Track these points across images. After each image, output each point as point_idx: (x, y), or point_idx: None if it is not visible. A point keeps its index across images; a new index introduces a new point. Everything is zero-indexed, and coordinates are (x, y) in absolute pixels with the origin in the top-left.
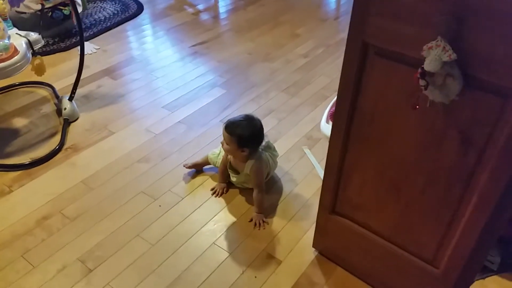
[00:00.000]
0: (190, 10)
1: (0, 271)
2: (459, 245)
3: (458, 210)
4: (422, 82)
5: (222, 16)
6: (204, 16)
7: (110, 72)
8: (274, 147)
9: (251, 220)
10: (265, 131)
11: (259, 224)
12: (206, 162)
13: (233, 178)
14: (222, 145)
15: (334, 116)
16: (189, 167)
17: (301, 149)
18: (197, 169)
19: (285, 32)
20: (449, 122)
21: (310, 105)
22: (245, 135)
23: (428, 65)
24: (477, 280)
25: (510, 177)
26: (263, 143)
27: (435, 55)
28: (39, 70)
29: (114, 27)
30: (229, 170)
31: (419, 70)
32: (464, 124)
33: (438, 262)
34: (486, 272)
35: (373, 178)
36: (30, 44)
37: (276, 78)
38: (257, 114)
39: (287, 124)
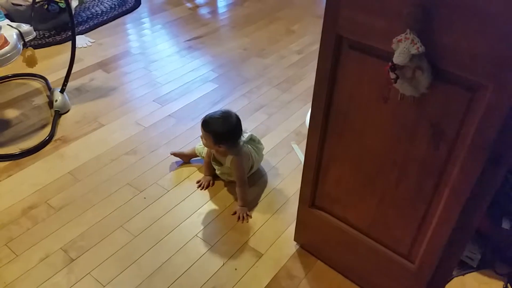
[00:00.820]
0: (188, 5)
1: None
2: (433, 239)
3: (431, 204)
4: (392, 75)
5: (220, 11)
6: (202, 11)
7: (104, 65)
8: (258, 140)
9: (235, 213)
10: (254, 125)
11: (243, 217)
12: (193, 153)
13: (218, 171)
14: (201, 139)
15: (311, 110)
16: (176, 155)
17: (289, 144)
18: (184, 160)
19: (281, 28)
20: (420, 115)
21: (301, 101)
22: (220, 132)
23: (397, 58)
24: (456, 276)
25: (481, 170)
26: (246, 137)
27: (403, 48)
28: (31, 61)
29: (111, 21)
30: (212, 162)
31: (390, 63)
32: (434, 117)
33: (413, 257)
34: (465, 268)
35: (350, 171)
36: (21, 35)
37: (269, 74)
38: (248, 109)
39: (276, 119)
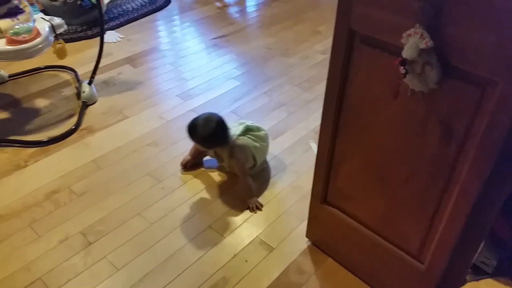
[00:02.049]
0: (218, 4)
1: (8, 237)
2: (443, 239)
3: (441, 202)
4: (401, 70)
5: (249, 10)
6: (230, 10)
7: (131, 60)
8: (257, 128)
9: (248, 208)
10: (273, 123)
11: (255, 208)
12: (195, 152)
13: (222, 164)
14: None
15: (323, 106)
16: (185, 165)
17: (307, 142)
18: (195, 161)
19: (307, 28)
20: (430, 111)
21: (322, 101)
22: (206, 139)
23: (405, 52)
24: (470, 281)
25: (491, 169)
26: (241, 129)
27: (413, 42)
28: (61, 53)
29: (141, 18)
30: (215, 157)
31: (399, 57)
32: (444, 114)
33: (423, 257)
34: (480, 274)
35: (360, 168)
36: (53, 28)
37: (292, 73)
38: (268, 107)
39: (296, 117)
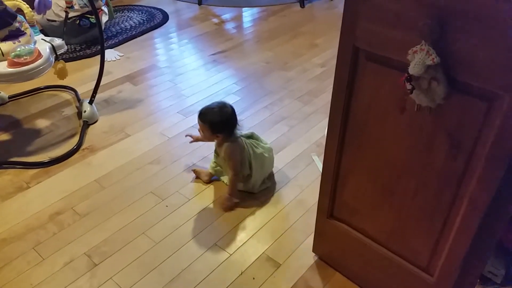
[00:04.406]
0: (215, 20)
1: (12, 261)
2: (452, 252)
3: (449, 216)
4: (408, 86)
5: (245, 26)
6: (227, 26)
7: (131, 78)
8: (260, 138)
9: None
10: (275, 137)
11: (228, 208)
12: (211, 173)
13: (213, 164)
14: (199, 132)
15: (329, 121)
16: (196, 173)
17: (310, 156)
18: (204, 180)
19: (304, 42)
20: (437, 126)
21: (323, 113)
22: (217, 121)
23: (412, 69)
24: None
25: (499, 182)
26: (245, 132)
27: (419, 59)
28: (61, 74)
29: (139, 36)
30: (214, 154)
31: (405, 74)
32: (451, 128)
33: (432, 269)
34: (489, 284)
35: (368, 182)
36: (53, 49)
37: (291, 87)
38: (269, 121)
39: (297, 131)
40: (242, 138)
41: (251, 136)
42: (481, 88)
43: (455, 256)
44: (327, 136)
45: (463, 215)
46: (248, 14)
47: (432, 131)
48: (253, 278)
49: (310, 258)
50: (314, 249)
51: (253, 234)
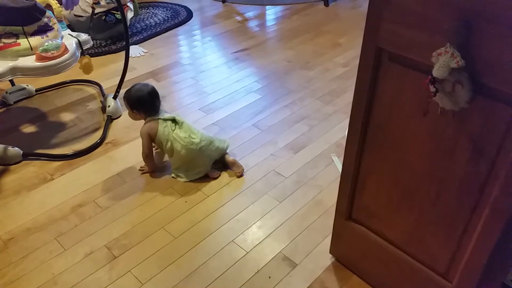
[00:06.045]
0: (238, 18)
1: (35, 250)
2: (472, 259)
3: (471, 222)
4: (431, 89)
5: (268, 24)
6: (251, 24)
7: (155, 74)
8: (182, 122)
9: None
10: (295, 136)
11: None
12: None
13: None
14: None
15: (349, 122)
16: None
17: (329, 156)
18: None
19: (327, 41)
20: (460, 130)
21: (344, 114)
22: (132, 98)
23: (436, 72)
24: None
25: None
26: (166, 114)
27: (443, 61)
28: (87, 68)
29: (164, 33)
30: None
31: (429, 76)
32: (475, 133)
33: (451, 276)
34: None
35: (388, 185)
36: (79, 44)
37: (313, 86)
38: (289, 120)
39: (318, 131)
40: (162, 121)
41: (173, 120)
42: (506, 92)
43: (476, 263)
44: (347, 137)
45: (485, 221)
46: (272, 12)
47: (454, 135)
48: (269, 277)
49: (327, 259)
50: (331, 251)
51: (270, 233)
